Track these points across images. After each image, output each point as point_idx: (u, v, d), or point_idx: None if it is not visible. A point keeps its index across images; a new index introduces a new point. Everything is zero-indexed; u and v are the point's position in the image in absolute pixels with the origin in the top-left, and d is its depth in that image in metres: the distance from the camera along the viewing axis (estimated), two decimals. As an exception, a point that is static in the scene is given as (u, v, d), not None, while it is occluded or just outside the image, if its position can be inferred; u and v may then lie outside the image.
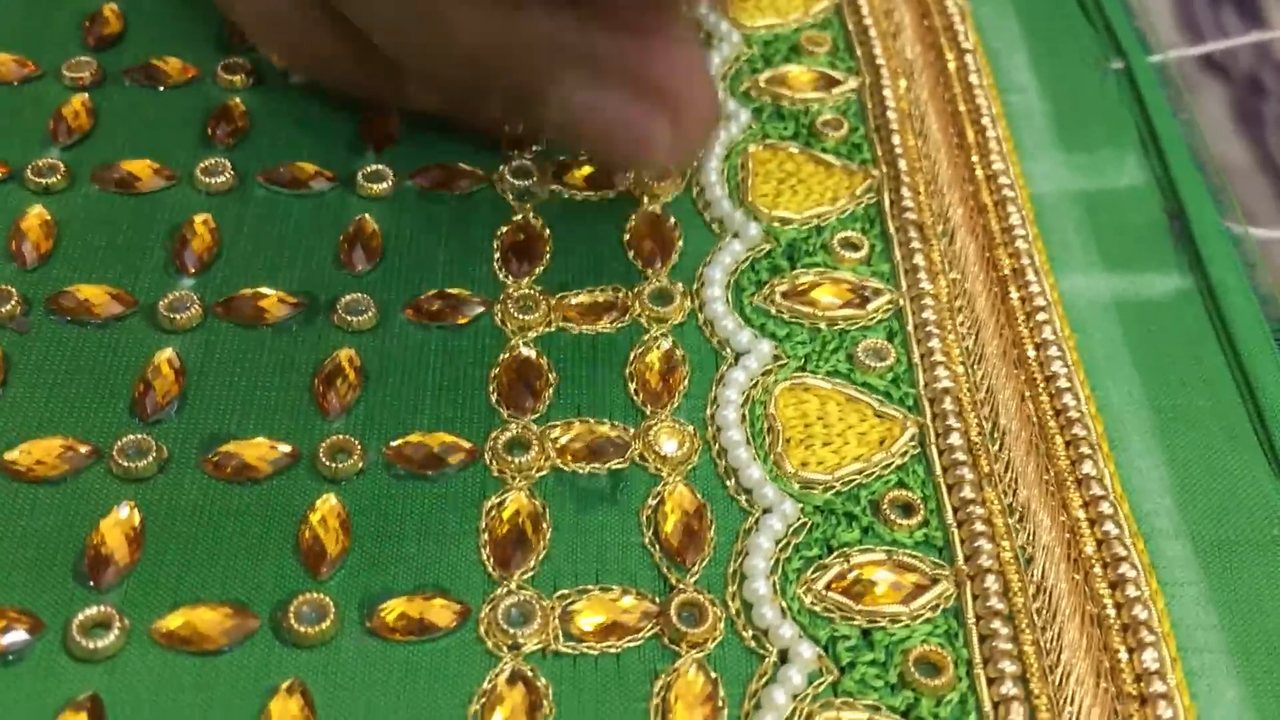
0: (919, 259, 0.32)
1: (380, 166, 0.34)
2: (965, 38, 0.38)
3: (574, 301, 0.31)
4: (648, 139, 0.28)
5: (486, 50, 0.29)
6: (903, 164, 0.35)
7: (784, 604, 0.26)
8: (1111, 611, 0.26)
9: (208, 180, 0.33)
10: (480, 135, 0.35)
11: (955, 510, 0.28)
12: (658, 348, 0.30)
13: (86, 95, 0.35)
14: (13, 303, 0.30)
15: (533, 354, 0.30)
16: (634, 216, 0.33)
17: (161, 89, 0.36)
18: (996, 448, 0.29)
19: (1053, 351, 0.31)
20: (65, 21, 0.37)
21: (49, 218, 0.32)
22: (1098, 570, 0.27)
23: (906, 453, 0.29)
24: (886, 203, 0.34)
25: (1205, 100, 0.39)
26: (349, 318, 0.30)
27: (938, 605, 0.27)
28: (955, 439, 0.29)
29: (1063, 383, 0.30)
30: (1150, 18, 0.40)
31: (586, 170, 0.34)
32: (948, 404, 0.30)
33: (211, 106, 0.35)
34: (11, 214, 0.32)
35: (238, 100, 0.35)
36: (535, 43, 0.28)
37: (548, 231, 0.33)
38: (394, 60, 0.31)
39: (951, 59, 0.38)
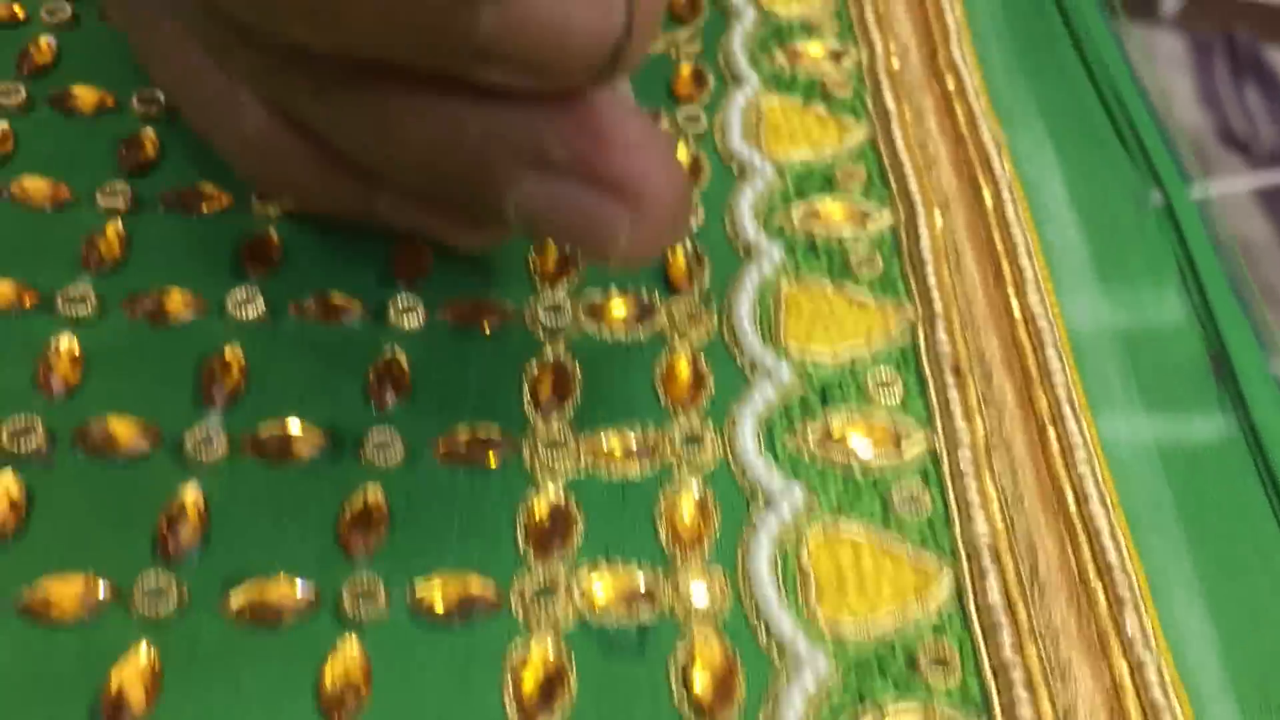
0: (954, 400, 0.32)
1: (411, 299, 0.33)
2: (1002, 169, 0.38)
3: (604, 444, 0.31)
4: (607, 233, 0.27)
5: (436, 149, 0.28)
6: (938, 302, 0.34)
7: (816, 766, 0.26)
8: (1157, 780, 0.26)
9: (238, 312, 0.33)
10: (511, 269, 0.34)
11: (993, 667, 0.27)
12: (688, 492, 0.30)
13: (120, 222, 0.35)
14: (39, 435, 0.30)
15: (561, 497, 0.30)
16: (665, 357, 0.33)
17: (195, 217, 0.36)
18: (1036, 601, 0.28)
19: (1093, 500, 0.30)
20: (100, 147, 0.37)
21: (77, 348, 0.32)
22: (1142, 734, 0.26)
23: (943, 605, 0.28)
24: (922, 341, 0.33)
25: (1227, 179, 0.39)
26: (376, 456, 0.30)
27: (976, 769, 0.26)
28: (993, 592, 0.28)
29: (1104, 534, 0.29)
30: (1187, 146, 0.40)
31: (621, 311, 0.34)
32: (985, 554, 0.29)
33: (245, 236, 0.35)
34: (40, 343, 0.32)
35: (271, 231, 0.35)
36: (485, 141, 0.27)
37: (579, 370, 0.32)
38: (361, 171, 0.30)
39: (988, 192, 0.37)
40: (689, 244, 0.36)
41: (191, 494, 0.29)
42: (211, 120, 0.33)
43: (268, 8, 0.27)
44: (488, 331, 0.33)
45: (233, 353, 0.32)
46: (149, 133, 0.38)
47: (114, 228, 0.35)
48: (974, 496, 0.30)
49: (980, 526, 0.29)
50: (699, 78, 0.41)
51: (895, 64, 0.42)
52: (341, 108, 0.29)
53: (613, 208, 0.27)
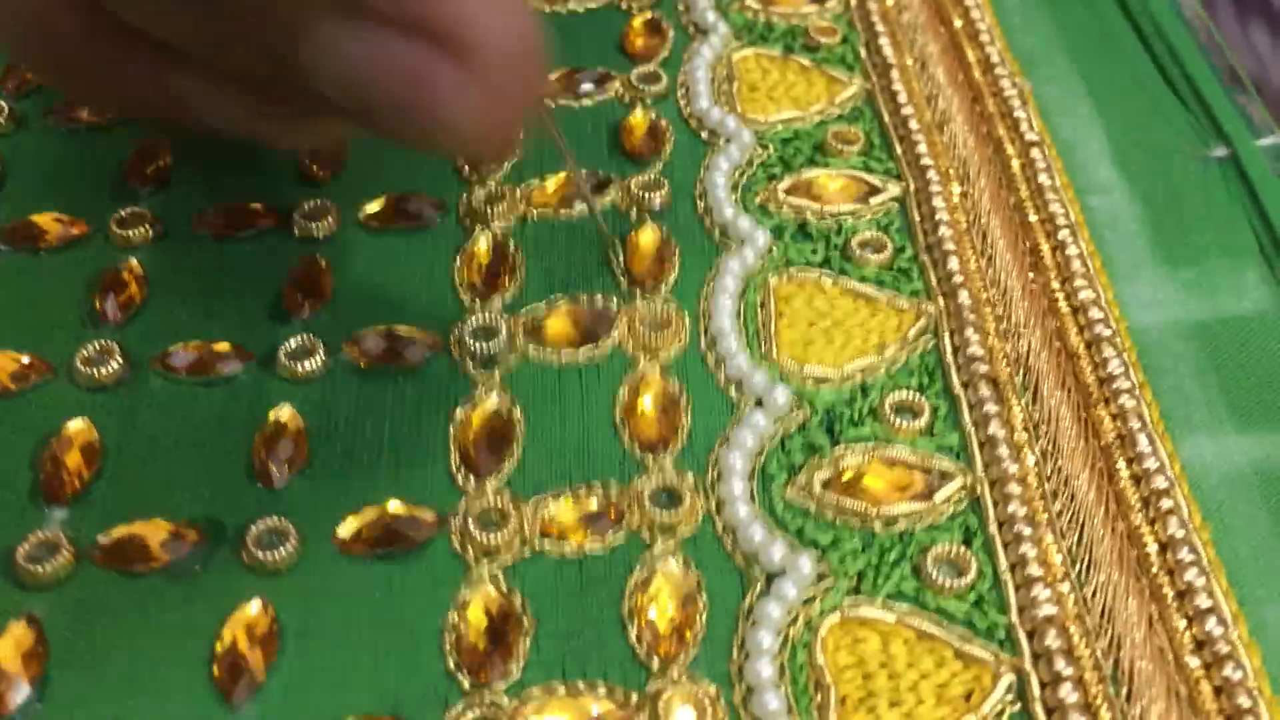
0: (995, 427, 0.25)
1: (306, 337, 0.26)
2: (1029, 126, 0.31)
3: (553, 512, 0.24)
4: (440, 96, 0.21)
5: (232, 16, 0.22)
6: (964, 295, 0.27)
7: None
8: None
9: (89, 372, 0.26)
10: (436, 284, 0.28)
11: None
12: (664, 573, 0.23)
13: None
14: None
15: (501, 592, 0.23)
16: (627, 381, 0.26)
17: (42, 252, 0.28)
18: (1124, 697, 0.22)
19: (1184, 554, 0.23)
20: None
21: None
22: None
23: (1003, 711, 0.22)
24: (948, 348, 0.27)
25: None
26: (263, 553, 0.23)
27: None
28: (1067, 691, 0.22)
29: (1202, 600, 0.23)
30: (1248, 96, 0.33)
31: (566, 325, 0.27)
32: (1052, 638, 0.22)
33: (102, 271, 0.28)
34: None
35: (134, 262, 0.28)
36: None
37: (518, 413, 0.25)
38: (152, 46, 0.24)
39: (1014, 154, 0.30)
40: (655, 225, 0.29)
41: (19, 630, 0.22)
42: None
43: None
44: (405, 364, 0.26)
45: (80, 427, 0.25)
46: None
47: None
48: (1031, 559, 0.23)
49: (1043, 602, 0.23)
50: (655, 29, 0.34)
51: (890, 1, 0.35)
52: None
53: (439, 63, 0.21)
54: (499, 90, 0.21)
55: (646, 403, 0.25)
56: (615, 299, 0.27)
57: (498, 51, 0.21)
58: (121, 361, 0.26)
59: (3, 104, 0.31)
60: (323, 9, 0.21)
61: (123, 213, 0.29)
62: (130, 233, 0.28)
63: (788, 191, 0.30)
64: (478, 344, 0.26)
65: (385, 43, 0.21)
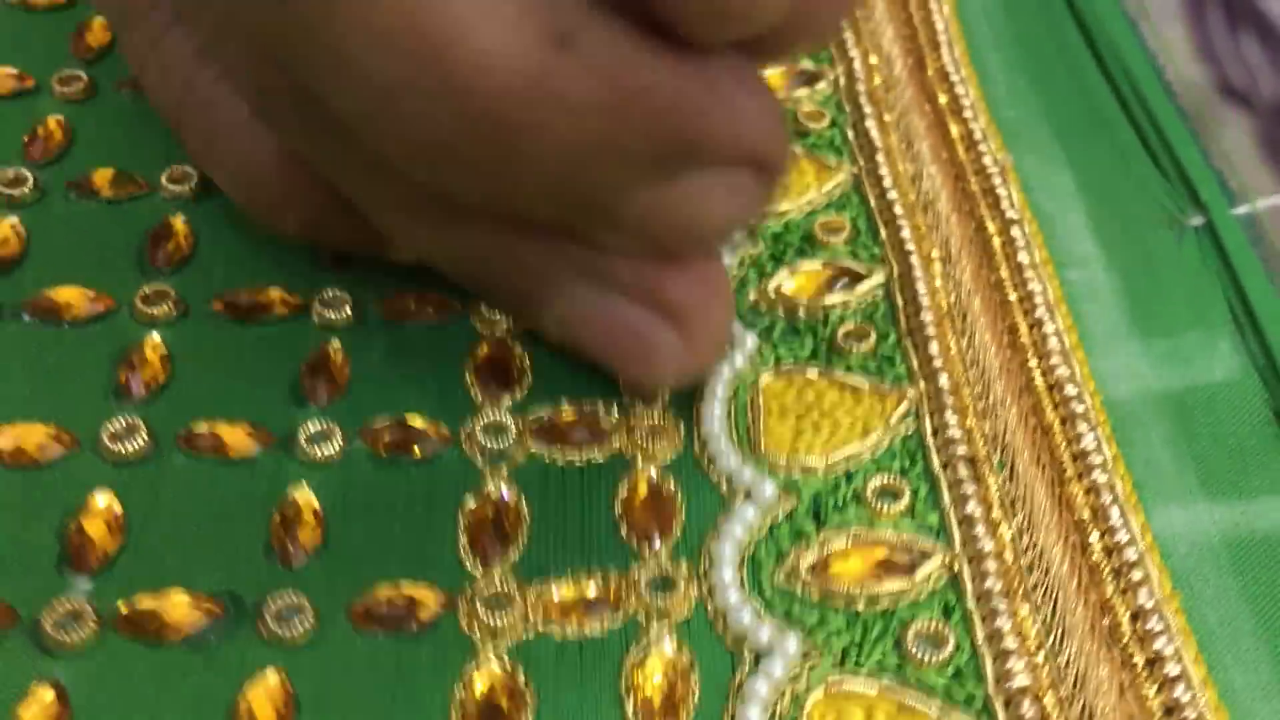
0: (973, 506, 0.26)
1: (324, 422, 0.28)
2: (1010, 203, 0.32)
3: (556, 596, 0.26)
4: (653, 354, 0.26)
5: (487, 257, 0.27)
6: (944, 379, 0.29)
7: None
8: None
9: (115, 448, 0.28)
10: (447, 380, 0.29)
11: None
12: (659, 653, 0.25)
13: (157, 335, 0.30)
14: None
15: (505, 669, 0.24)
16: (627, 482, 0.27)
17: (66, 325, 0.30)
18: (1094, 763, 0.23)
19: (1154, 623, 0.25)
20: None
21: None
22: None
23: (979, 781, 0.23)
24: (928, 430, 0.28)
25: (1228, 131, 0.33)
26: (279, 627, 0.25)
27: None
28: (1041, 760, 0.23)
29: (1171, 668, 0.24)
30: (1232, 159, 0.34)
31: (570, 429, 0.28)
32: (1026, 708, 0.23)
33: (127, 347, 0.30)
34: None
35: (156, 339, 0.30)
36: (542, 257, 0.26)
37: (525, 506, 0.27)
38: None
39: (995, 232, 0.32)
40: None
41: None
42: (219, 151, 0.29)
43: (432, 163, 0.24)
44: (418, 455, 0.28)
45: (106, 499, 0.27)
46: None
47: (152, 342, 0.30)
48: (1006, 633, 0.24)
49: (1018, 675, 0.24)
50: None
51: (877, 80, 0.36)
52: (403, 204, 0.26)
53: (663, 330, 0.26)
54: (703, 354, 0.27)
55: (643, 499, 0.27)
56: (615, 406, 0.29)
57: (709, 327, 0.26)
58: (147, 438, 0.28)
59: (27, 173, 0.33)
60: (579, 279, 0.26)
61: (146, 289, 0.30)
62: (154, 310, 0.30)
63: (777, 289, 0.31)
64: (487, 439, 0.28)
65: (623, 309, 0.26)
